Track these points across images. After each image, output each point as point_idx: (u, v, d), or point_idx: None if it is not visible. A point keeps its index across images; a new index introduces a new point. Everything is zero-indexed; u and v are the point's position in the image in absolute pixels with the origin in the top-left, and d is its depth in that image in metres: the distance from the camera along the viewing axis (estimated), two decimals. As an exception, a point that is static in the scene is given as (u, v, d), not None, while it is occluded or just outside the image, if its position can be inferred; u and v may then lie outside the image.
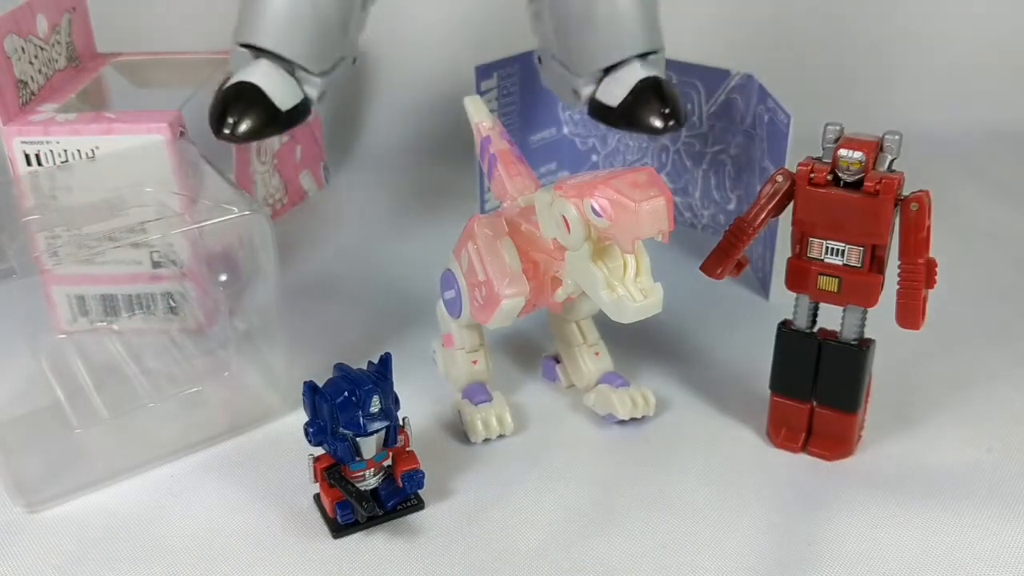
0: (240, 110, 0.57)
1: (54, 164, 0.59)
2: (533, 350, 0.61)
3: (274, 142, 0.78)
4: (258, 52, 0.60)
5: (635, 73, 0.62)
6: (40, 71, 0.64)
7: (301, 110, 0.60)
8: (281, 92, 0.59)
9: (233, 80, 0.58)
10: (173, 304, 0.61)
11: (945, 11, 0.97)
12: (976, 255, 0.73)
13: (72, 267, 0.59)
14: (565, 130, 0.80)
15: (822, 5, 0.93)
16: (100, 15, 0.73)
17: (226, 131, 0.57)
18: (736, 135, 0.71)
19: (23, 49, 0.62)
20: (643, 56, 0.62)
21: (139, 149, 0.57)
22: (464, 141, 0.70)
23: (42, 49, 0.65)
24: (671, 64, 0.72)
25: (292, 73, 0.61)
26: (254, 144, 0.75)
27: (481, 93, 0.74)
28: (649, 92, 0.61)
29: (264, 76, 0.59)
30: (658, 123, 0.60)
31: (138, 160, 0.58)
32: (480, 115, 0.58)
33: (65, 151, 0.59)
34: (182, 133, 0.59)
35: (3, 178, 0.59)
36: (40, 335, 0.56)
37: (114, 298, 0.62)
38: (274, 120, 0.59)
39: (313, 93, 0.61)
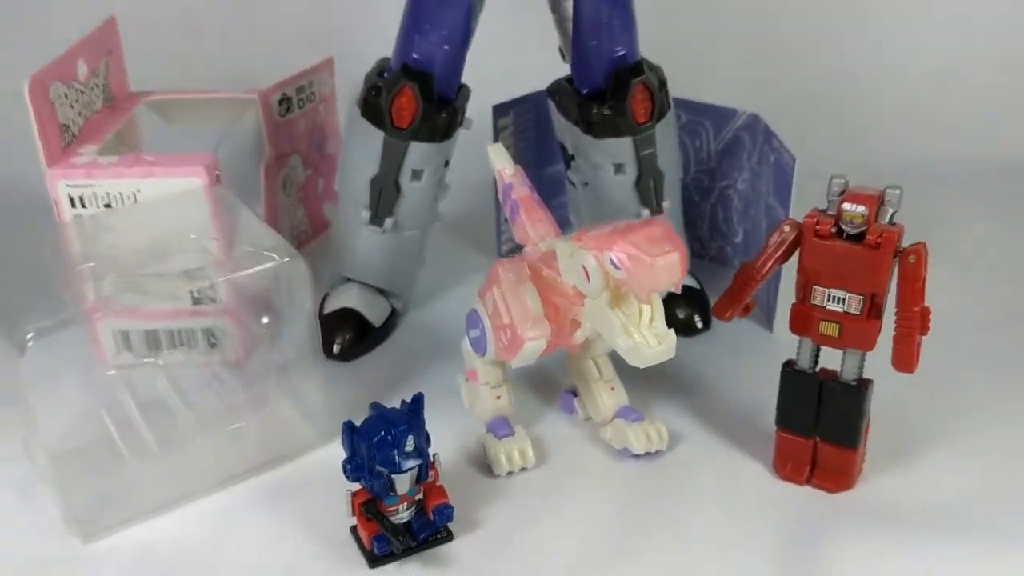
0: (343, 332, 0.68)
1: (98, 207, 0.62)
2: (552, 383, 0.65)
3: (299, 175, 0.81)
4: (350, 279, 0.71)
5: None
6: (80, 113, 0.67)
7: (391, 321, 0.71)
8: (373, 311, 0.70)
9: (335, 307, 0.69)
10: (213, 340, 0.65)
11: (950, 45, 1.00)
12: (972, 287, 0.76)
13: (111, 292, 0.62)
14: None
15: (825, 41, 0.97)
16: (131, 54, 0.76)
17: (335, 351, 0.67)
18: (743, 171, 0.74)
19: (66, 95, 0.65)
20: None
21: (179, 193, 0.61)
22: (482, 177, 0.73)
23: (82, 93, 0.68)
24: (681, 103, 0.75)
25: (380, 291, 0.71)
26: (281, 176, 0.79)
27: (498, 131, 0.77)
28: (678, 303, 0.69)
29: (358, 300, 0.70)
30: None
31: (178, 203, 0.61)
32: (502, 162, 0.61)
33: (108, 194, 0.62)
34: (218, 177, 0.63)
35: (51, 222, 0.62)
36: (88, 370, 0.60)
37: (156, 333, 0.65)
38: (370, 335, 0.70)
39: (398, 304, 0.72)
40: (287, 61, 0.79)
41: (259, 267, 0.54)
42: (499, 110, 0.76)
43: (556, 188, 0.82)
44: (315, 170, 0.83)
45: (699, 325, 0.70)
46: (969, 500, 0.56)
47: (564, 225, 0.81)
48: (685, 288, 0.70)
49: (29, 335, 0.49)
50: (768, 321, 0.70)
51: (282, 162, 0.78)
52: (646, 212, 0.68)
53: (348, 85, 0.90)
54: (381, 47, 0.68)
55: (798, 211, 0.64)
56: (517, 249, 0.62)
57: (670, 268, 0.49)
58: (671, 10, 0.93)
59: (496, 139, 0.77)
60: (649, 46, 0.70)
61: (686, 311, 0.69)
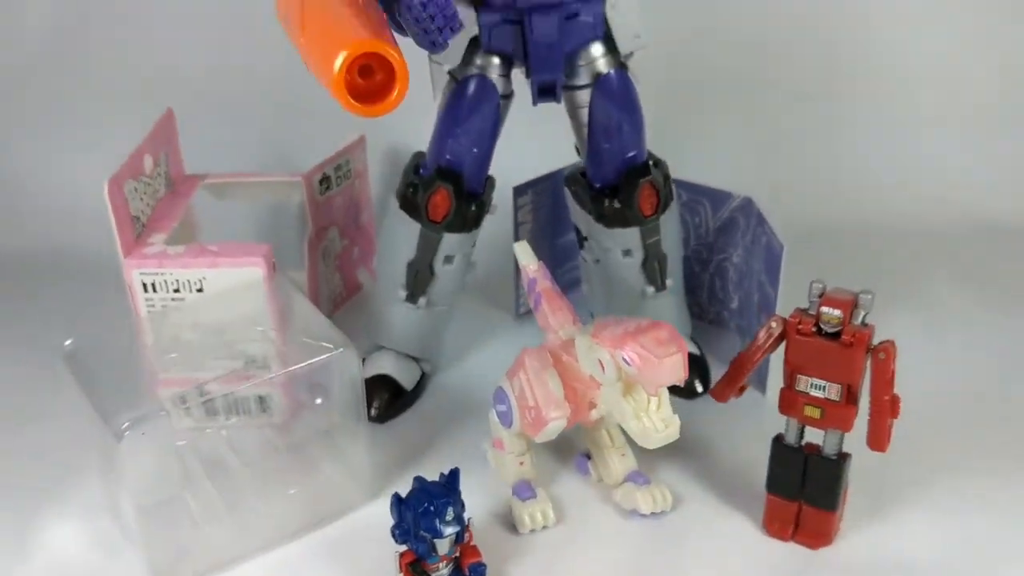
0: (380, 397, 0.77)
1: (167, 292, 0.70)
2: (568, 447, 0.73)
3: (337, 246, 0.89)
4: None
5: None
6: (147, 203, 0.75)
7: (422, 384, 0.80)
8: (405, 376, 0.79)
9: (371, 372, 0.77)
10: (264, 405, 0.73)
11: (930, 110, 1.09)
12: (947, 349, 0.84)
13: (181, 373, 0.70)
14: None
15: (815, 125, 1.06)
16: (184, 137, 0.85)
17: (372, 415, 0.76)
18: (737, 247, 0.82)
19: (136, 189, 0.73)
20: None
21: (241, 283, 0.69)
22: (503, 248, 0.82)
23: (148, 184, 0.76)
24: (683, 184, 0.83)
25: (412, 357, 0.79)
26: (321, 248, 0.87)
27: (517, 207, 0.85)
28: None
29: (392, 366, 0.78)
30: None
31: (240, 291, 0.70)
32: (527, 259, 0.69)
33: (176, 280, 0.70)
34: (274, 265, 0.71)
35: (127, 307, 0.71)
36: (162, 439, 0.67)
37: (214, 400, 0.73)
38: (403, 397, 0.78)
39: (428, 368, 0.81)
40: (323, 136, 0.87)
41: (316, 359, 0.62)
42: (519, 190, 0.84)
43: (569, 255, 0.90)
44: (351, 240, 0.92)
45: (699, 389, 0.78)
46: (933, 556, 0.64)
47: (577, 285, 0.90)
48: (689, 356, 0.78)
49: (125, 425, 0.57)
50: (762, 386, 0.78)
51: (322, 235, 0.87)
52: (651, 289, 0.76)
53: (379, 159, 0.99)
54: (406, 119, 0.75)
55: (786, 288, 0.73)
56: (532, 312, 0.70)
57: (675, 367, 0.57)
58: (678, 99, 1.02)
59: (516, 215, 0.86)
60: (657, 132, 0.78)
61: (690, 377, 0.77)
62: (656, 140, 0.78)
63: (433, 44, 0.56)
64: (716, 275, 0.85)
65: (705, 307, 0.87)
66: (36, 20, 1.05)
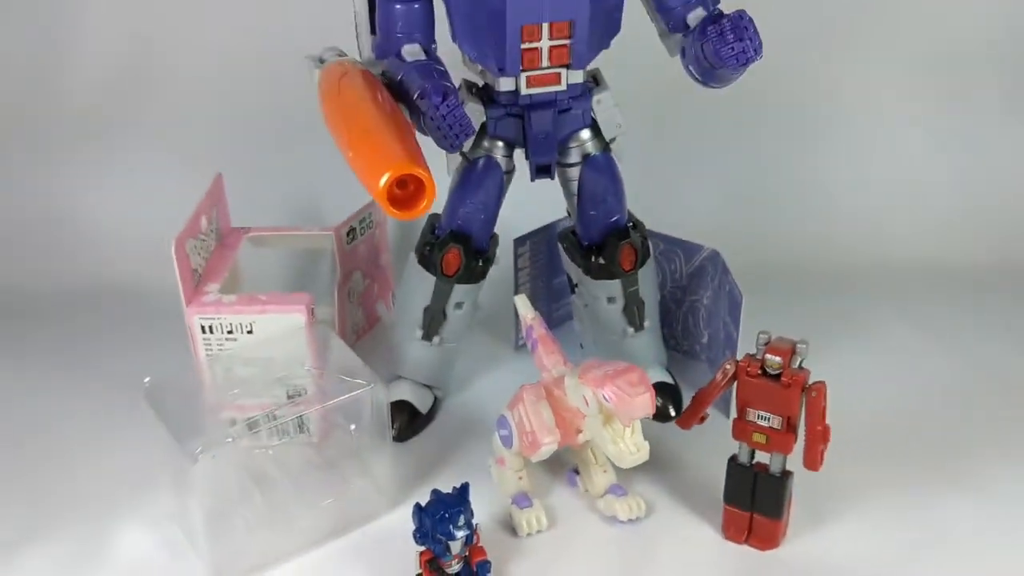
0: (399, 419, 0.89)
1: (222, 333, 0.83)
2: (560, 464, 0.85)
3: (360, 286, 1.02)
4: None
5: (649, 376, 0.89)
6: (203, 257, 0.89)
7: (435, 408, 0.93)
8: (421, 401, 0.91)
9: (392, 398, 0.88)
10: (304, 429, 0.86)
11: (884, 161, 1.22)
12: (887, 378, 0.95)
13: (237, 402, 0.83)
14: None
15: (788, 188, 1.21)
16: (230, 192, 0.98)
17: (393, 435, 0.86)
18: (707, 290, 0.95)
19: (194, 246, 0.86)
20: None
21: (286, 328, 0.82)
22: (505, 291, 0.94)
23: (203, 240, 0.89)
24: (660, 236, 0.96)
25: (427, 386, 0.91)
26: (347, 289, 1.00)
27: (517, 256, 0.98)
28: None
29: (410, 393, 0.90)
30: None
31: (284, 333, 0.83)
32: (525, 310, 0.82)
33: (230, 323, 0.83)
34: (312, 311, 0.84)
35: (187, 347, 0.84)
36: (221, 455, 0.80)
37: (257, 422, 0.86)
38: (419, 420, 0.91)
39: (439, 394, 0.93)
40: (349, 193, 0.99)
41: (351, 394, 0.75)
42: (519, 241, 0.97)
43: (563, 293, 1.03)
44: (371, 279, 1.04)
45: (672, 413, 0.90)
46: (865, 556, 0.76)
47: (570, 319, 1.03)
48: (662, 384, 0.92)
49: (198, 449, 0.70)
50: (726, 409, 0.91)
51: (348, 277, 0.99)
52: (631, 330, 0.89)
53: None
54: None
55: (749, 324, 0.84)
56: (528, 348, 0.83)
57: (644, 404, 0.70)
58: (657, 162, 1.16)
59: (516, 262, 0.98)
60: (638, 191, 0.91)
61: (663, 402, 0.90)
62: (640, 197, 0.90)
63: (451, 147, 0.70)
64: (689, 313, 0.98)
65: (679, 340, 1.01)
66: (98, 73, 1.19)
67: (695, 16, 0.76)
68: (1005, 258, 1.16)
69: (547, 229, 0.99)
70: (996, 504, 0.81)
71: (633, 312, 0.88)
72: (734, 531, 0.78)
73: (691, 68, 0.76)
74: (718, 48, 0.70)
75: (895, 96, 1.22)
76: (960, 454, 0.86)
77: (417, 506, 0.72)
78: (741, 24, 0.70)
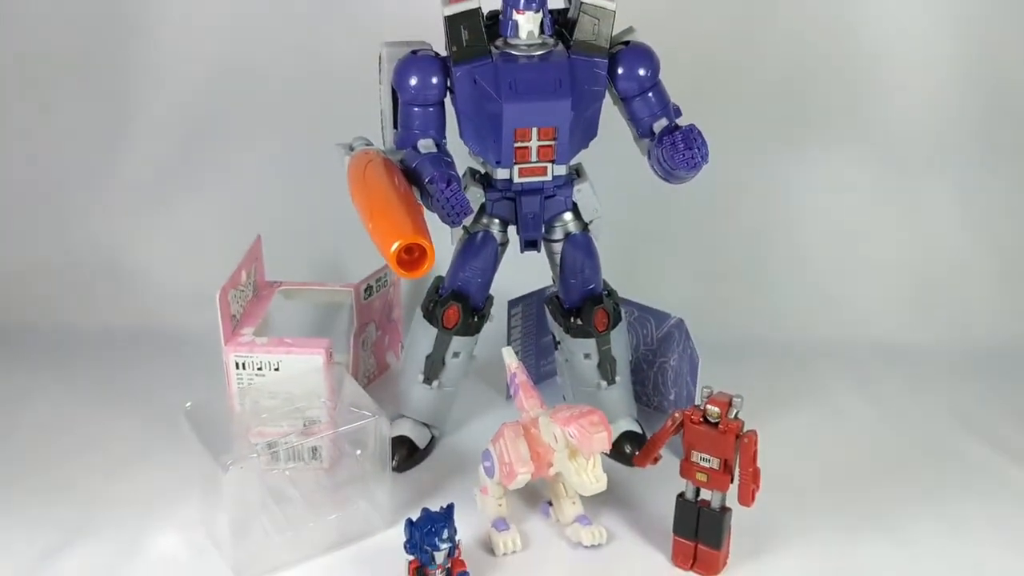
0: (399, 452, 1.01)
1: (253, 370, 0.98)
2: (535, 496, 0.97)
3: (373, 337, 1.17)
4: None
5: (619, 425, 1.03)
6: (241, 305, 1.03)
7: (431, 444, 1.04)
8: (419, 437, 1.03)
9: (394, 434, 1.00)
10: (316, 455, 1.00)
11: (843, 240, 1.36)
12: (826, 435, 1.07)
13: (263, 428, 0.97)
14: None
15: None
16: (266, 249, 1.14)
17: (393, 466, 0.97)
18: (674, 354, 1.08)
19: (234, 296, 1.01)
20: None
21: (307, 367, 0.96)
22: (498, 347, 1.07)
23: (242, 291, 1.04)
24: (633, 304, 1.10)
25: (426, 424, 1.04)
26: (362, 339, 1.15)
27: (511, 315, 1.13)
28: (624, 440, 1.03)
29: (410, 430, 1.03)
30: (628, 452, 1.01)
31: (306, 371, 0.97)
32: (510, 359, 0.95)
33: (260, 362, 0.97)
34: (330, 355, 0.98)
35: (221, 379, 0.98)
36: (248, 468, 0.91)
37: (277, 447, 1.00)
38: (417, 454, 1.03)
39: (436, 433, 1.05)
40: (368, 255, 1.13)
41: (357, 423, 0.89)
42: (512, 303, 1.11)
43: (549, 351, 1.16)
44: (383, 331, 1.18)
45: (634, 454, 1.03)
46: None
47: (555, 374, 1.16)
48: (632, 433, 1.04)
49: (229, 461, 0.84)
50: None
51: (363, 329, 1.13)
52: (604, 383, 1.02)
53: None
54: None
55: (707, 382, 0.96)
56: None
57: (602, 441, 0.83)
58: (633, 242, 1.31)
59: (509, 321, 1.13)
60: (618, 265, 1.06)
61: (631, 448, 1.02)
62: (619, 271, 1.06)
63: (452, 223, 0.85)
64: (658, 373, 1.12)
65: (650, 396, 1.13)
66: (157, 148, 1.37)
67: (659, 125, 0.92)
68: (955, 338, 1.28)
69: (537, 293, 1.13)
70: (911, 543, 0.93)
71: (606, 368, 1.02)
72: (681, 559, 0.90)
73: (655, 168, 0.92)
74: (671, 155, 0.86)
75: (855, 182, 1.36)
76: (884, 502, 0.98)
77: (408, 520, 0.84)
78: (691, 136, 0.86)
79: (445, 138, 0.94)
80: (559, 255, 0.99)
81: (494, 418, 1.09)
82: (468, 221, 0.97)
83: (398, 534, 0.85)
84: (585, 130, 0.94)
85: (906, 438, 1.09)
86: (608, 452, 0.85)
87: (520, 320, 1.13)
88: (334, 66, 1.32)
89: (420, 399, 1.03)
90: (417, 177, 0.89)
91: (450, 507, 0.85)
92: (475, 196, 0.96)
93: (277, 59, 1.34)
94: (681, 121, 0.93)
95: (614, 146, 0.99)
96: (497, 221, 0.98)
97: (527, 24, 0.90)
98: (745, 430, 0.85)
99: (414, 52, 0.93)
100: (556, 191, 0.96)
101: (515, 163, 0.93)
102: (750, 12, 1.33)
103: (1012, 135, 1.35)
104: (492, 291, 1.02)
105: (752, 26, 1.33)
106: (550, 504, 0.96)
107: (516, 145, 0.91)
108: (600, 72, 0.92)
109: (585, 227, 0.99)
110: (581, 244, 0.99)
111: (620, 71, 0.93)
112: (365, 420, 0.90)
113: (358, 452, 0.92)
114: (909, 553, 0.92)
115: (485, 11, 0.92)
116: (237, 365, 0.97)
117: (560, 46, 0.92)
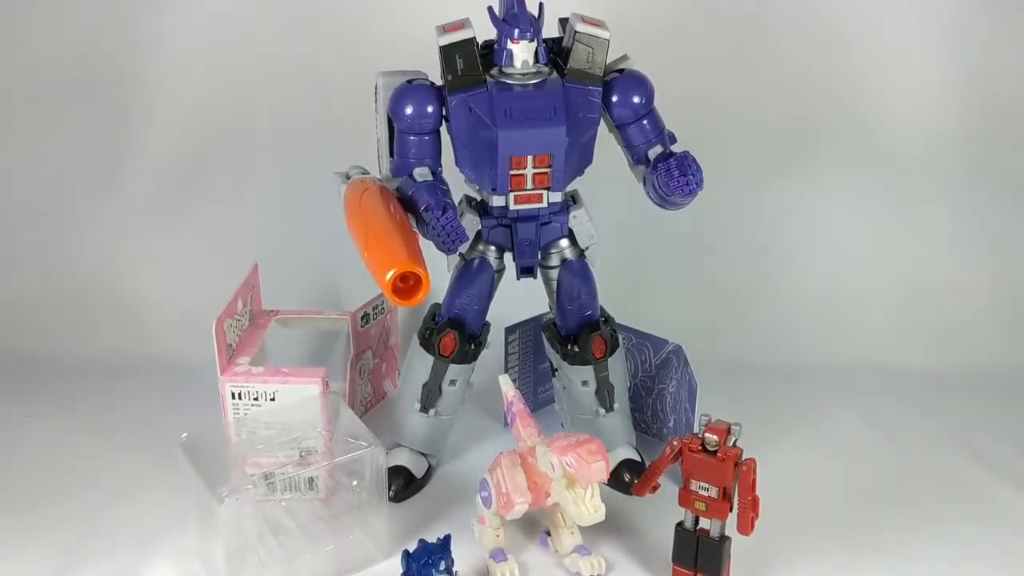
0: (396, 482, 1.00)
1: (249, 400, 0.97)
2: (534, 525, 0.96)
3: (370, 364, 1.16)
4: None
5: (618, 454, 1.03)
6: (237, 334, 1.03)
7: (428, 473, 1.04)
8: (416, 467, 1.03)
9: (390, 463, 1.01)
10: (313, 485, 0.99)
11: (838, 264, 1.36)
12: (832, 464, 1.06)
13: (259, 458, 0.97)
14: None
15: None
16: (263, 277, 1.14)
17: (390, 496, 0.97)
18: (672, 379, 1.08)
19: (231, 325, 1.01)
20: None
21: (303, 397, 0.96)
22: (495, 374, 1.07)
23: (239, 320, 1.04)
24: (631, 330, 1.10)
25: (423, 453, 1.04)
26: (359, 367, 1.14)
27: (508, 343, 1.12)
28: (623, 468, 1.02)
29: (407, 459, 1.03)
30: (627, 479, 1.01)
31: (302, 401, 0.96)
32: (507, 388, 0.94)
33: (256, 391, 0.97)
34: (327, 384, 0.98)
35: (217, 409, 0.98)
36: (244, 499, 0.90)
37: (273, 477, 0.99)
38: (414, 483, 1.02)
39: (433, 461, 1.05)
40: (364, 284, 1.13)
41: (353, 454, 0.89)
42: (509, 329, 1.11)
43: (547, 378, 1.15)
44: (380, 358, 1.18)
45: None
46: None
47: (552, 401, 1.16)
48: (631, 460, 1.04)
49: (225, 493, 0.84)
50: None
51: (360, 356, 1.13)
52: (602, 411, 1.02)
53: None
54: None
55: (705, 409, 0.96)
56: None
57: (600, 470, 0.82)
58: (631, 266, 1.32)
59: (507, 348, 1.12)
60: (616, 292, 1.06)
61: (630, 476, 1.01)
62: (618, 298, 1.06)
63: (447, 250, 0.85)
64: (657, 400, 1.11)
65: (649, 424, 1.13)
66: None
67: (654, 152, 0.92)
68: (956, 363, 1.28)
69: (535, 320, 1.13)
70: (912, 568, 0.92)
71: (604, 395, 1.02)
72: (680, 588, 0.90)
73: (651, 194, 0.92)
74: (667, 181, 0.86)
75: (853, 206, 1.37)
76: (885, 528, 0.97)
77: (405, 552, 0.84)
78: (686, 163, 0.86)
79: (441, 166, 0.95)
80: (555, 282, 0.99)
81: (492, 446, 1.09)
82: (464, 248, 0.97)
83: (395, 565, 0.84)
84: (580, 157, 0.94)
85: (907, 463, 1.09)
86: (607, 481, 0.84)
87: (517, 347, 1.13)
88: (331, 95, 1.33)
89: (417, 428, 1.03)
90: (413, 205, 0.89)
91: (447, 538, 0.84)
92: (471, 223, 0.96)
93: (275, 87, 1.36)
94: (676, 148, 0.94)
95: (610, 173, 1.00)
96: (493, 248, 0.98)
97: (522, 53, 0.91)
98: (744, 458, 0.85)
99: (410, 81, 0.94)
100: (552, 218, 0.96)
101: (511, 190, 0.93)
102: (744, 39, 1.35)
103: (1011, 161, 1.36)
104: (489, 318, 1.02)
105: (747, 53, 1.35)
106: (548, 534, 0.95)
107: (512, 172, 0.92)
108: (595, 100, 0.92)
109: (581, 253, 0.99)
110: (577, 271, 0.98)
111: (614, 99, 0.93)
112: (361, 450, 0.89)
113: (355, 482, 0.92)
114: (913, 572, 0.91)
115: (480, 41, 0.93)
116: (233, 395, 0.97)
117: (555, 74, 0.93)
